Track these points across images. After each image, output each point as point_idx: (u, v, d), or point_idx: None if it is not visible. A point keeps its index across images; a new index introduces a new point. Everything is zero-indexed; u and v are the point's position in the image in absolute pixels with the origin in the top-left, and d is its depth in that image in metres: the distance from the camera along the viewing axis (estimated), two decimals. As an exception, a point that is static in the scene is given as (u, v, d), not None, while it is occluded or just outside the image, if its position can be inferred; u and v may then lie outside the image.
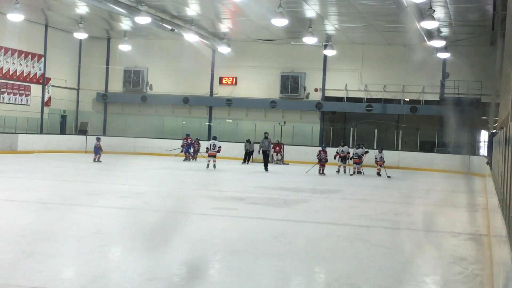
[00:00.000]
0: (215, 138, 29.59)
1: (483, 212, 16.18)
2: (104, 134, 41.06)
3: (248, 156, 34.80)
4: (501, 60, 18.69)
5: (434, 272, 9.27)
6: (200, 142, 35.60)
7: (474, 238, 12.20)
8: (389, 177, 27.70)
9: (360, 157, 29.36)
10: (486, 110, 33.71)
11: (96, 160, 30.34)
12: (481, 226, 13.79)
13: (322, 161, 28.25)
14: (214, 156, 28.49)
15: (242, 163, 34.31)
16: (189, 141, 35.38)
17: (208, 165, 28.68)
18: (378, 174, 28.81)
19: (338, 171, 29.43)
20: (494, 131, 21.85)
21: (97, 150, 30.59)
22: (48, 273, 8.00)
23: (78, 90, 42.97)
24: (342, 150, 29.69)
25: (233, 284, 7.88)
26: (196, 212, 14.15)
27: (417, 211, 16.87)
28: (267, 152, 30.83)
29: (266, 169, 29.18)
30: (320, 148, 29.25)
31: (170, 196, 17.84)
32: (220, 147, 28.78)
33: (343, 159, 29.65)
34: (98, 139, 30.89)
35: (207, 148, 29.07)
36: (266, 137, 31.72)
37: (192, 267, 8.77)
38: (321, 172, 28.02)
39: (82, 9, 32.77)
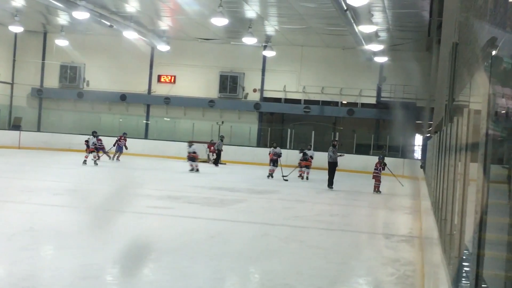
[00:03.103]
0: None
1: (416, 215, 16.47)
2: (38, 130, 40.26)
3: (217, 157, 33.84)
4: (436, 65, 19.08)
5: (367, 273, 9.41)
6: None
7: (407, 240, 12.41)
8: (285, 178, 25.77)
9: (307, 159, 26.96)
10: (421, 114, 34.33)
11: (116, 158, 31.66)
12: (414, 228, 14.04)
13: (378, 177, 22.82)
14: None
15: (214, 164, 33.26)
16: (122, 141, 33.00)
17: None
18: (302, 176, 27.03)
19: (269, 176, 26.39)
20: (428, 135, 22.31)
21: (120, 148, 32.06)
22: (-24, 272, 7.80)
23: (12, 84, 42.03)
24: (275, 152, 27.14)
25: (167, 284, 7.81)
26: (131, 211, 13.99)
27: (352, 212, 17.09)
28: (335, 163, 23.65)
29: (330, 185, 23.20)
30: (376, 160, 23.64)
31: (105, 194, 17.59)
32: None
33: (275, 162, 26.76)
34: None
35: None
36: (334, 145, 24.08)
37: (126, 266, 8.67)
38: (376, 190, 22.67)
39: (18, 1, 32.01)
